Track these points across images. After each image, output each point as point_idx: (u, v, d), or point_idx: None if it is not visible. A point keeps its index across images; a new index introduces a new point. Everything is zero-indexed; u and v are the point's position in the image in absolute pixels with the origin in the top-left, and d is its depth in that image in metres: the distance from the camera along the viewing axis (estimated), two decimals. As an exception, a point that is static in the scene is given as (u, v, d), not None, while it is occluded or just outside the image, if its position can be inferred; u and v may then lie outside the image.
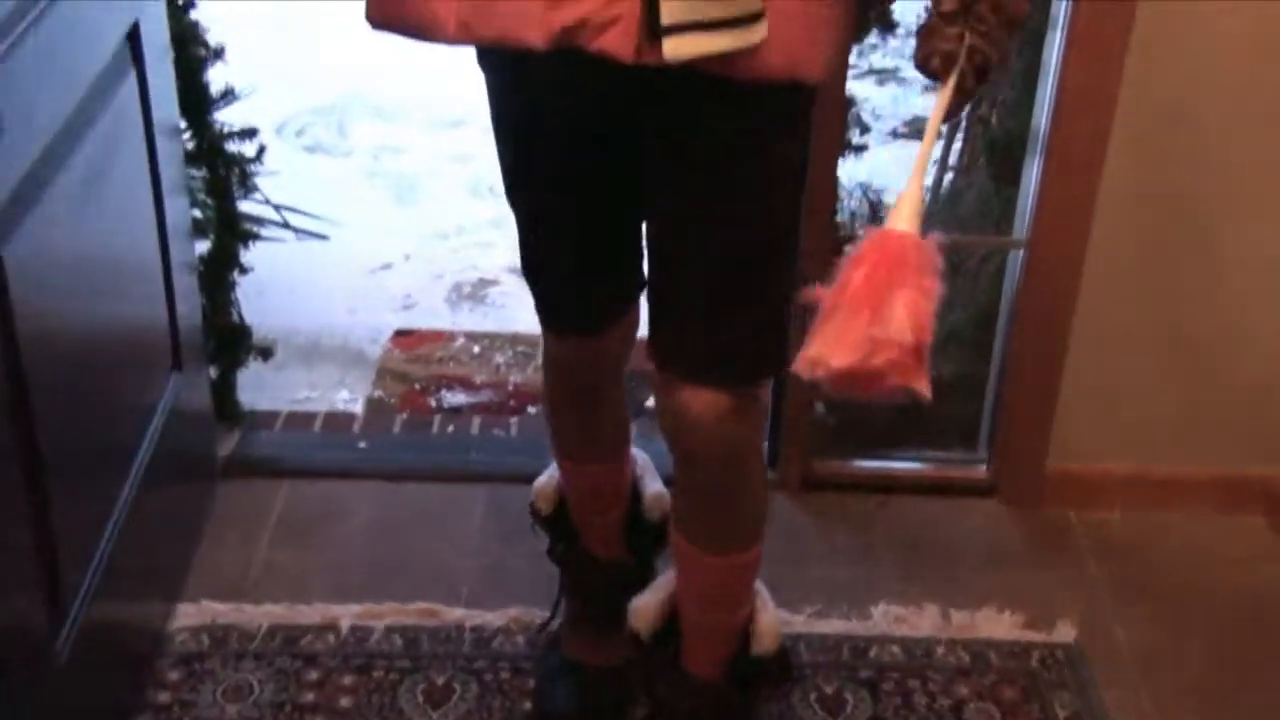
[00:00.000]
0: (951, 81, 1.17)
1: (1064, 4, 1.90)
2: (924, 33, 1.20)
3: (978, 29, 1.16)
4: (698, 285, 1.36)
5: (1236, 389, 2.08)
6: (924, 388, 1.13)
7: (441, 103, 3.70)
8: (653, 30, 1.15)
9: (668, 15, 1.14)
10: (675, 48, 1.15)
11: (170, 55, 1.84)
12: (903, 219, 1.16)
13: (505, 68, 1.37)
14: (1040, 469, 2.14)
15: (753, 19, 1.16)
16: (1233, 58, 1.88)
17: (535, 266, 1.54)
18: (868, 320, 1.12)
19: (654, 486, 1.73)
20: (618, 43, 1.16)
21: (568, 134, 1.38)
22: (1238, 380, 2.08)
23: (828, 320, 1.15)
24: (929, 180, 2.77)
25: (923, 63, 1.20)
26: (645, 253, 1.47)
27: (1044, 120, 1.97)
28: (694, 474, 1.48)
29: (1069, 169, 1.96)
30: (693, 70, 1.17)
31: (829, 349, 1.13)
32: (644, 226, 1.44)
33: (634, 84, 1.22)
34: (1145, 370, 2.08)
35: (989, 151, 2.20)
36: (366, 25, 1.31)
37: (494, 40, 1.21)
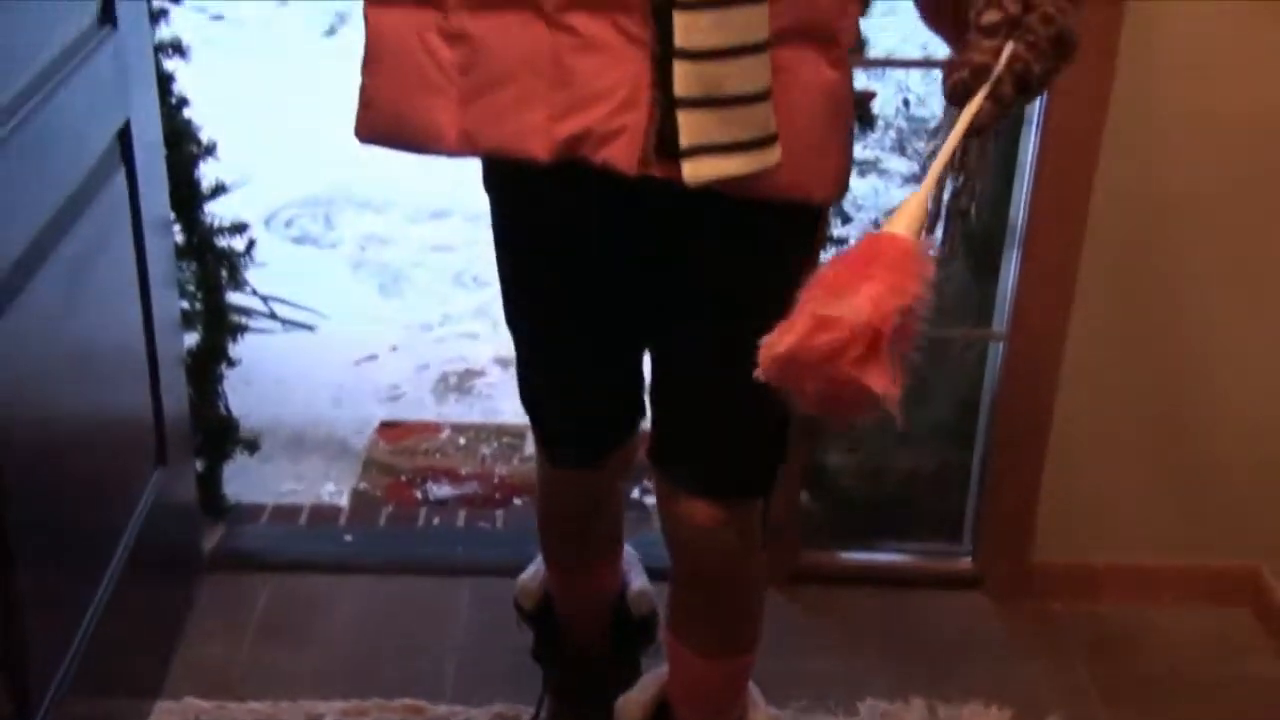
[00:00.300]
0: (984, 91, 1.07)
1: (1038, 100, 1.95)
2: (955, 53, 1.14)
3: (1025, 39, 1.06)
4: (704, 399, 1.35)
5: (1221, 481, 2.10)
6: (881, 385, 1.00)
7: (425, 194, 3.74)
8: (669, 151, 1.13)
9: (687, 137, 1.13)
10: (695, 171, 1.14)
11: (162, 152, 1.86)
12: (899, 223, 1.07)
13: (508, 181, 1.35)
14: (1026, 561, 2.15)
15: (769, 141, 1.16)
16: (1210, 146, 1.91)
17: (536, 396, 1.51)
18: (821, 302, 1.02)
19: (639, 582, 1.73)
20: (622, 155, 1.15)
21: (572, 250, 1.34)
22: (1222, 472, 2.09)
23: (790, 311, 1.08)
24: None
25: (949, 80, 1.09)
26: (649, 369, 1.45)
27: (1021, 215, 2.01)
28: (693, 579, 1.47)
29: (1046, 263, 1.99)
30: (703, 187, 1.16)
31: (777, 334, 1.03)
32: (648, 343, 1.42)
33: (638, 197, 1.20)
34: (1129, 462, 2.09)
35: (967, 245, 2.23)
36: (359, 140, 1.28)
37: (496, 151, 1.20)
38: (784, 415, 1.37)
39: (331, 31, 5.69)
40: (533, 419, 1.54)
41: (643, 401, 1.50)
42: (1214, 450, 2.09)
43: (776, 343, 1.03)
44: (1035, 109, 1.95)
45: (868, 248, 1.06)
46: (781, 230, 1.27)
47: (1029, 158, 1.97)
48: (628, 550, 1.75)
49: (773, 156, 1.16)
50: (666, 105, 1.13)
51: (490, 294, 3.41)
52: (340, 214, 3.78)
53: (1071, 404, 2.06)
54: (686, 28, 1.11)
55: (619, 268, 1.35)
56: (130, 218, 1.75)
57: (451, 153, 1.22)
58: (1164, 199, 1.95)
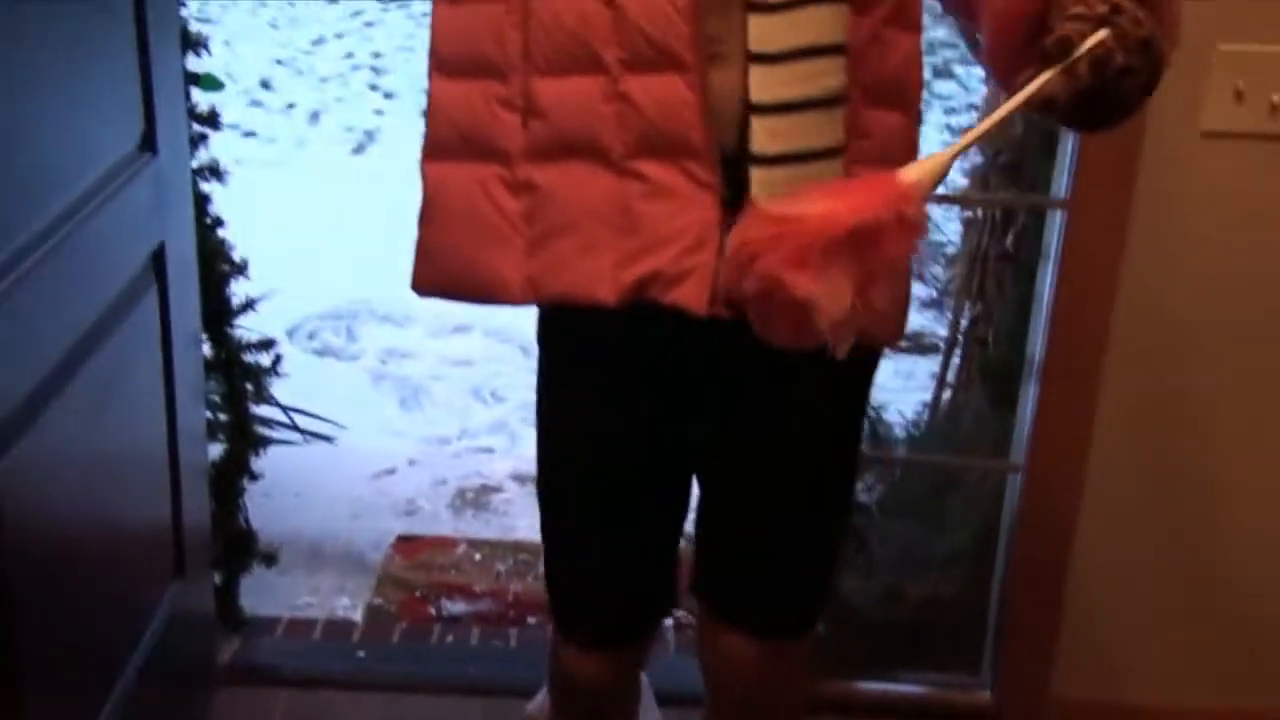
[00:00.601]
0: (1060, 66, 1.01)
1: (1055, 236, 1.98)
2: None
3: (1114, 30, 1.01)
4: (760, 536, 1.33)
5: (1242, 619, 2.07)
6: (802, 287, 0.95)
7: (446, 309, 3.76)
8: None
9: None
10: None
11: (195, 271, 1.90)
12: (910, 170, 1.00)
13: (568, 329, 1.31)
14: (1045, 695, 2.12)
15: None
16: (1230, 276, 1.92)
17: (572, 568, 1.40)
18: (782, 205, 0.98)
19: (650, 717, 1.71)
20: (692, 295, 1.14)
21: (632, 394, 1.30)
22: (1243, 610, 2.07)
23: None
24: (927, 397, 2.82)
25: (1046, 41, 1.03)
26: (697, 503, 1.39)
27: (1039, 347, 2.02)
28: (733, 712, 1.44)
29: (1065, 395, 2.00)
30: None
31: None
32: (697, 483, 1.37)
33: (702, 338, 1.19)
34: (1154, 595, 2.07)
35: (984, 376, 2.25)
36: (416, 293, 1.26)
37: (562, 298, 1.18)
38: (836, 545, 1.36)
39: (360, 149, 5.82)
40: (561, 596, 1.42)
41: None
42: (1243, 585, 2.06)
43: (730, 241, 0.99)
44: (1053, 243, 1.99)
45: (861, 180, 1.04)
46: (843, 372, 1.25)
47: (1047, 289, 2.00)
48: (643, 680, 1.74)
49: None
50: None
51: (508, 409, 3.45)
52: (362, 327, 3.84)
53: (1092, 535, 2.05)
54: (763, 182, 1.12)
55: (677, 409, 1.31)
56: (160, 334, 1.78)
57: (515, 302, 1.20)
58: (1184, 329, 1.96)
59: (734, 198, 1.13)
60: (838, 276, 0.96)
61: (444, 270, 1.24)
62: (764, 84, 1.11)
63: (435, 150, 1.25)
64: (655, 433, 1.32)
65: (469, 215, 1.21)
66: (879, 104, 1.19)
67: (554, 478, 1.38)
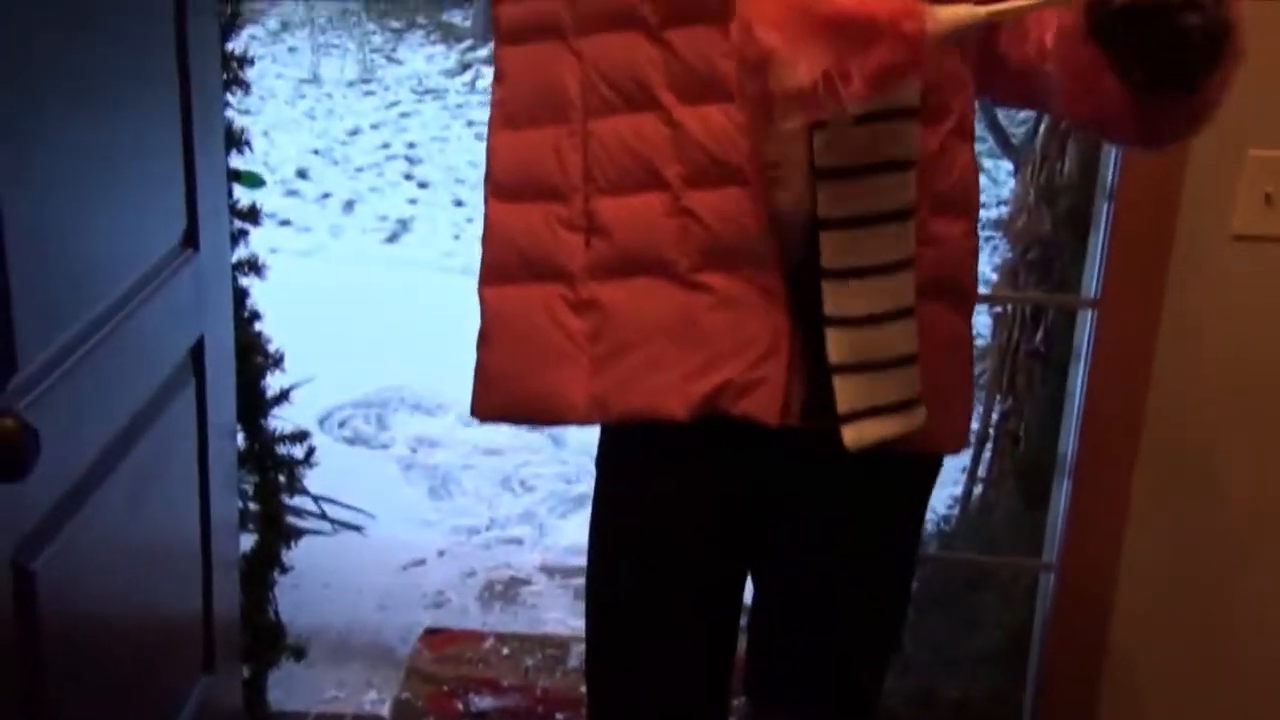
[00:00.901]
0: None
1: (1086, 334, 1.98)
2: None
3: None
4: (814, 638, 1.32)
5: None
6: (768, 41, 0.98)
7: (479, 398, 3.81)
8: (815, 407, 1.13)
9: (845, 402, 1.12)
10: (857, 436, 1.12)
11: (232, 364, 1.92)
12: (941, 7, 1.01)
13: (634, 445, 1.26)
14: (1080, 798, 2.08)
15: (919, 401, 1.15)
16: (1260, 374, 1.92)
17: (622, 672, 1.33)
18: None
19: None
20: (763, 406, 1.13)
21: (694, 505, 1.26)
22: None
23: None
24: (958, 491, 2.81)
25: None
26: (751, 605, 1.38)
27: (1071, 445, 2.02)
28: None
29: (1097, 494, 1.99)
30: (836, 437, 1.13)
31: None
32: (753, 585, 1.36)
33: (770, 447, 1.18)
34: (1190, 697, 2.04)
35: (1017, 473, 2.24)
36: (476, 420, 1.26)
37: (632, 415, 1.16)
38: (892, 640, 1.36)
39: (393, 238, 5.90)
40: (612, 707, 1.36)
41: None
42: (1276, 691, 2.03)
43: None
44: (1084, 341, 1.99)
45: None
46: (907, 481, 1.28)
47: (1078, 387, 2.00)
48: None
49: (921, 416, 1.16)
50: (811, 360, 1.13)
51: (537, 499, 3.45)
52: (393, 415, 3.86)
53: (1127, 635, 2.02)
54: (836, 295, 1.12)
55: (742, 516, 1.28)
56: (197, 426, 1.80)
57: (582, 421, 1.19)
58: (1215, 428, 1.95)
59: (802, 304, 1.13)
60: (812, 50, 0.97)
61: (507, 394, 1.23)
62: (833, 199, 1.12)
63: (494, 274, 1.24)
64: (719, 540, 1.29)
65: (531, 337, 1.20)
66: (944, 213, 1.20)
67: (611, 586, 1.33)
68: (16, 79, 1.21)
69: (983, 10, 1.03)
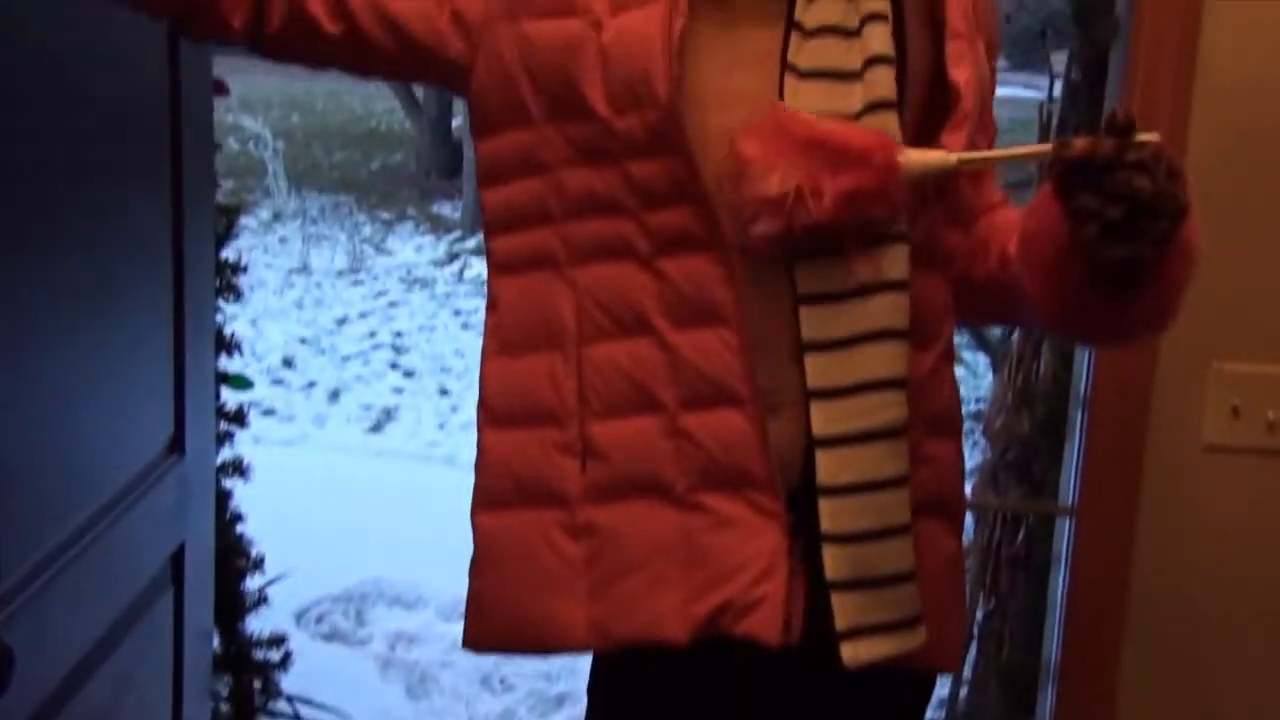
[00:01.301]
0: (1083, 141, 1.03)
1: (1065, 540, 1.99)
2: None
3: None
4: None
5: None
6: (748, 150, 1.06)
7: (457, 590, 3.75)
8: (814, 626, 1.12)
9: (843, 619, 1.12)
10: (855, 654, 1.12)
11: (212, 569, 1.91)
12: (918, 150, 1.09)
13: (631, 669, 1.21)
14: None
15: (918, 620, 1.15)
16: (1239, 592, 1.91)
17: None
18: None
19: None
20: (764, 626, 1.12)
21: None
22: None
23: None
24: (944, 693, 2.77)
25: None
26: None
27: (1054, 651, 2.01)
28: None
29: (1083, 700, 1.97)
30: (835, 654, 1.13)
31: None
32: None
33: (767, 667, 1.16)
34: None
35: (1000, 678, 2.22)
36: (468, 651, 1.24)
37: (631, 639, 1.15)
38: None
39: (377, 428, 5.91)
40: None
41: None
42: None
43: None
44: (1064, 546, 1.99)
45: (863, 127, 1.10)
46: (901, 697, 1.26)
47: (1059, 593, 2.00)
48: None
49: (921, 635, 1.15)
50: (809, 578, 1.13)
51: (516, 698, 3.38)
52: (371, 609, 3.82)
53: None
54: (833, 513, 1.12)
55: None
56: (173, 632, 1.77)
57: (580, 649, 1.17)
58: (1197, 630, 1.95)
59: (799, 524, 1.13)
60: (787, 164, 1.05)
61: (501, 624, 1.21)
62: (827, 418, 1.13)
63: (487, 501, 1.24)
64: None
65: (526, 564, 1.19)
66: (936, 433, 1.22)
67: None
68: (15, 290, 1.23)
69: (953, 157, 1.11)
